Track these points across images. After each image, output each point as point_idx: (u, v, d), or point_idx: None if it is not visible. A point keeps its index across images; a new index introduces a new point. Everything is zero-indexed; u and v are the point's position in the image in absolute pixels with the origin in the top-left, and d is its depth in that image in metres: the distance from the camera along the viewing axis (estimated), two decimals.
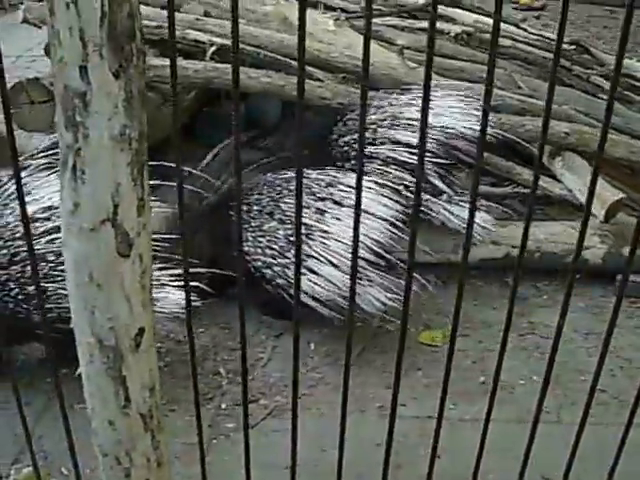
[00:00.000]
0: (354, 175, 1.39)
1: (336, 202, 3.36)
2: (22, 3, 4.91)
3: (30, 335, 2.87)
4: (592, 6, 9.10)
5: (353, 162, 3.75)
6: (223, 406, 3.03)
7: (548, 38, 5.51)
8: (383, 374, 3.20)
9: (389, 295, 3.24)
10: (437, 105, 3.71)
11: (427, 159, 3.60)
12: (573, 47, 5.66)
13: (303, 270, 3.16)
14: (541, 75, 5.11)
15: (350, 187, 3.37)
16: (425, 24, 5.63)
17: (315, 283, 3.21)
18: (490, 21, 5.74)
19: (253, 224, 3.39)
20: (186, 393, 2.73)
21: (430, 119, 1.35)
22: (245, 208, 3.39)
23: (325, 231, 3.27)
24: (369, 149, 3.75)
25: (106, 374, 1.55)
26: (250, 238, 3.37)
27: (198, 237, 3.39)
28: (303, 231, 3.21)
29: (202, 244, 3.39)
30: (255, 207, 3.44)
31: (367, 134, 3.79)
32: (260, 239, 3.37)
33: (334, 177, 3.47)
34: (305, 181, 3.39)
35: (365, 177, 3.34)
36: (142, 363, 1.56)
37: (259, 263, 3.36)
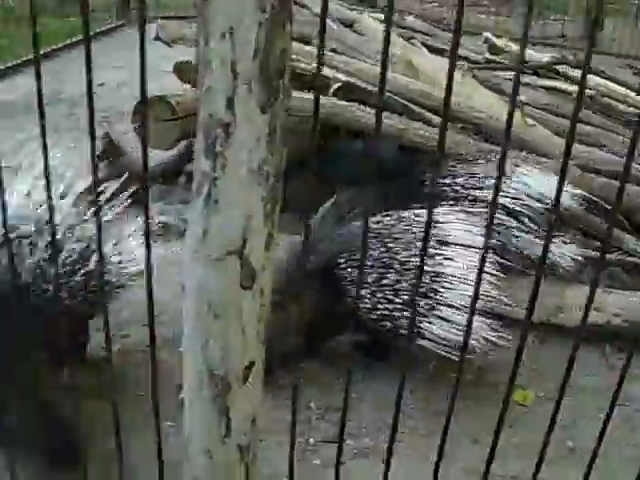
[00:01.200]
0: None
1: (441, 241, 3.30)
2: (157, 18, 5.05)
3: None
4: None
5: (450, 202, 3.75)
6: (311, 441, 3.01)
7: None
8: (473, 426, 3.13)
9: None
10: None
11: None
12: None
13: (433, 319, 3.15)
14: None
15: (450, 223, 3.33)
16: (547, 82, 5.58)
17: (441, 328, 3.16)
18: (613, 85, 5.65)
19: (369, 279, 3.32)
20: (275, 424, 2.71)
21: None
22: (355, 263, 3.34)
23: (441, 273, 3.22)
24: (476, 192, 3.77)
25: (211, 403, 1.55)
26: (368, 295, 3.31)
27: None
28: (426, 279, 3.22)
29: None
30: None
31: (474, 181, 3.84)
32: (378, 294, 3.29)
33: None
34: (404, 223, 3.35)
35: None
36: (248, 395, 1.56)
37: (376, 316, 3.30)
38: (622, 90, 5.61)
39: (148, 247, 1.45)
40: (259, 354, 1.51)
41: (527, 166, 3.93)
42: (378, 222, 3.38)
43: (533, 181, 3.79)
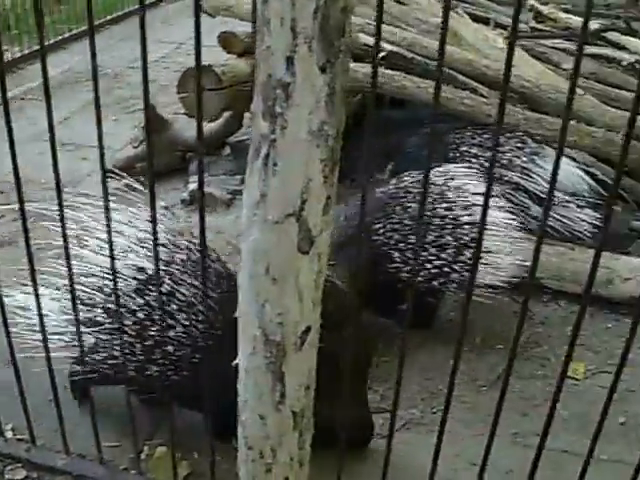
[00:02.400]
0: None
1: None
2: None
3: None
4: None
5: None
6: None
7: None
8: (520, 400, 3.10)
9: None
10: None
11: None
12: None
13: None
14: None
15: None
16: (595, 50, 5.48)
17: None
18: None
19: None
20: None
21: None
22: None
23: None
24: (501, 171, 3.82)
25: (266, 369, 1.54)
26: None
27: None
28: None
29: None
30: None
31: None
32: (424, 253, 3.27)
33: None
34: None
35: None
36: (303, 362, 1.55)
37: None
38: None
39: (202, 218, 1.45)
40: (315, 320, 1.50)
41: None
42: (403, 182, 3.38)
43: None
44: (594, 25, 5.67)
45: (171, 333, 2.42)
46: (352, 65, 3.86)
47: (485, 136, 4.03)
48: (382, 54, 4.02)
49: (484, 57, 4.50)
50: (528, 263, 1.61)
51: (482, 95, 4.11)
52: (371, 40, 4.16)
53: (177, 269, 2.50)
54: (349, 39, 1.25)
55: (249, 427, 1.69)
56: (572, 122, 3.98)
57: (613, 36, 5.77)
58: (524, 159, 3.92)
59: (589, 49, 5.37)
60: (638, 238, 4.16)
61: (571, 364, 3.35)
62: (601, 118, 4.12)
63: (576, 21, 6.13)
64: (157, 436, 2.74)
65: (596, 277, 3.59)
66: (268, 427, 1.65)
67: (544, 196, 3.88)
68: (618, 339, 3.55)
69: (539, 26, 6.01)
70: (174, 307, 2.45)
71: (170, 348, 2.43)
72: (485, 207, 1.40)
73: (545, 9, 6.28)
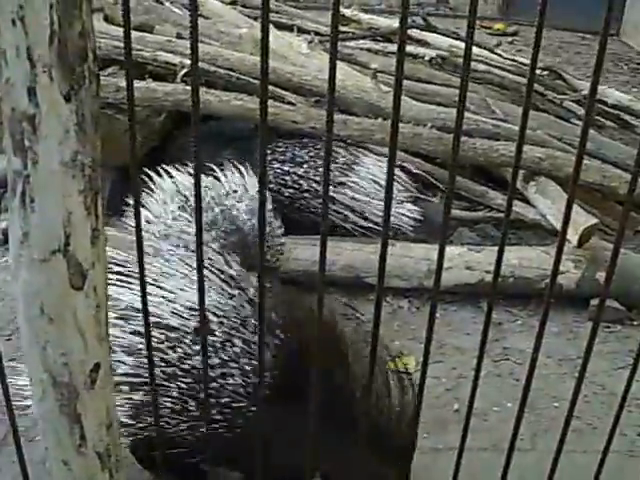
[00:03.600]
0: None
1: None
2: None
3: None
4: (564, 32, 9.18)
5: None
6: None
7: (521, 63, 5.53)
8: None
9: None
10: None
11: None
12: (546, 72, 5.68)
13: None
14: (515, 100, 5.10)
15: None
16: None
17: None
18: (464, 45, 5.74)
19: None
20: None
21: None
22: None
23: None
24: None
25: (60, 412, 1.47)
26: None
27: None
28: None
29: None
30: None
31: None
32: None
33: None
34: None
35: None
36: (98, 400, 1.48)
37: None
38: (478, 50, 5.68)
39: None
40: (104, 356, 1.44)
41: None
42: None
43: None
44: (395, 24, 5.82)
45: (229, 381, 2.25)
46: (153, 85, 3.81)
47: (297, 151, 4.08)
48: (184, 71, 3.98)
49: (291, 64, 4.55)
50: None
51: (290, 102, 4.13)
52: (172, 58, 4.12)
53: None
54: (93, 63, 1.20)
55: (55, 475, 1.61)
56: (380, 120, 4.08)
57: (415, 33, 5.93)
58: (336, 173, 3.99)
59: (392, 47, 5.52)
60: (458, 227, 4.32)
61: (401, 359, 3.45)
62: (408, 113, 4.24)
63: (378, 21, 6.30)
64: None
65: (418, 269, 3.75)
66: (74, 472, 1.58)
67: (364, 200, 3.99)
68: (446, 328, 3.66)
69: (344, 28, 6.11)
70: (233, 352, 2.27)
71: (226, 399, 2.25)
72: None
73: (348, 12, 6.40)
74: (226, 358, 2.25)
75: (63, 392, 1.44)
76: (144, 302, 1.39)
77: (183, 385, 2.26)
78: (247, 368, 2.25)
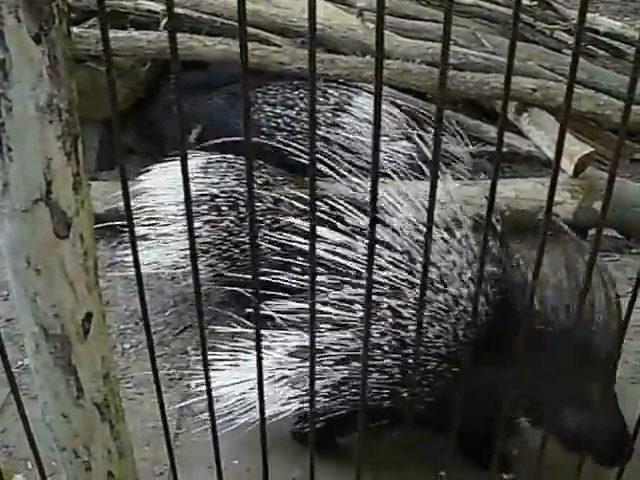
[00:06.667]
0: None
1: None
2: None
3: None
4: None
5: None
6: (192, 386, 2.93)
7: None
8: None
9: None
10: None
11: None
12: (535, 3, 5.60)
13: None
14: (504, 32, 5.03)
15: None
16: None
17: None
18: None
19: None
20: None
21: None
22: None
23: None
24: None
25: (55, 365, 1.44)
26: None
27: None
28: None
29: None
30: None
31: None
32: None
33: None
34: None
35: None
36: (93, 350, 1.46)
37: None
38: None
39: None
40: (95, 304, 1.41)
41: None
42: None
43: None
44: None
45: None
46: (136, 34, 3.74)
47: (288, 93, 4.02)
48: (166, 19, 3.90)
49: (274, 6, 4.46)
50: None
51: (275, 44, 4.07)
52: (154, 6, 4.03)
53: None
54: (62, 1, 1.15)
55: (56, 429, 1.59)
56: (368, 57, 4.01)
57: None
58: (328, 114, 3.93)
59: None
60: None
61: None
62: (397, 49, 4.18)
63: None
64: None
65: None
66: (74, 424, 1.56)
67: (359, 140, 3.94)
68: None
69: None
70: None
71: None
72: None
73: None
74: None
75: (56, 344, 1.41)
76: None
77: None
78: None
